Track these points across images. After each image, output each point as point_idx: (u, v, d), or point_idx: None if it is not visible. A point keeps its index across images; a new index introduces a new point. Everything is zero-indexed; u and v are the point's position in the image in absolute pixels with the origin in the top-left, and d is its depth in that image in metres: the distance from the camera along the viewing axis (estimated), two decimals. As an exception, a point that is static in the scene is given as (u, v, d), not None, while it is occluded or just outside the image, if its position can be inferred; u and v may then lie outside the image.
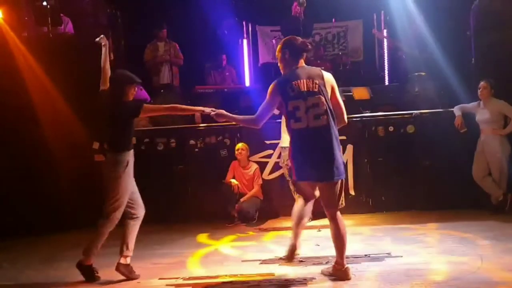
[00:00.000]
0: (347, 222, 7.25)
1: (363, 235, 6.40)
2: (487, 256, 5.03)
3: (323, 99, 4.36)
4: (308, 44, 4.58)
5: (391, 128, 7.80)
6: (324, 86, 4.41)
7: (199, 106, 8.72)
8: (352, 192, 7.85)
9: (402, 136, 7.79)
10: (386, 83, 10.15)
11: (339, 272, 4.54)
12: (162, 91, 9.03)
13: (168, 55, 9.41)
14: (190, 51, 9.78)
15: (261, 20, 11.14)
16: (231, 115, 4.75)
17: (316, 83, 4.38)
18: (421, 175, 7.73)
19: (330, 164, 4.34)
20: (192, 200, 8.02)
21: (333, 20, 11.01)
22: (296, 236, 4.55)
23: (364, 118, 7.96)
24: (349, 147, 7.79)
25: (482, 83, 7.16)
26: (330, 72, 10.59)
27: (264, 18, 11.06)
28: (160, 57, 9.37)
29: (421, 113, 7.85)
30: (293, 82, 4.39)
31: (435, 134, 7.60)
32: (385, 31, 10.34)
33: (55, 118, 7.82)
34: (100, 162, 8.03)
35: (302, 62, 4.53)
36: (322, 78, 4.44)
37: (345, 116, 4.56)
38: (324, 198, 4.57)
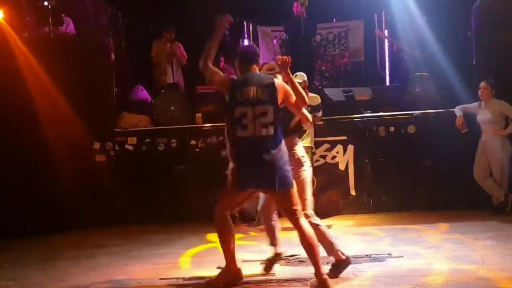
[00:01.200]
0: (348, 223, 7.29)
1: (364, 236, 6.40)
2: (488, 257, 5.02)
3: (272, 109, 4.22)
4: (253, 52, 4.46)
5: (392, 129, 7.80)
6: (275, 95, 4.26)
7: (200, 106, 8.92)
8: (353, 193, 7.84)
9: (403, 137, 7.79)
10: (387, 83, 10.14)
11: (316, 286, 4.26)
12: (163, 91, 9.01)
13: (174, 54, 9.39)
14: (191, 52, 9.76)
15: (262, 20, 11.14)
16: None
17: (266, 92, 4.24)
18: (422, 176, 7.72)
19: (273, 175, 4.21)
20: (193, 200, 8.02)
21: (334, 20, 11.01)
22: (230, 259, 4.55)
23: (365, 119, 7.95)
24: (350, 147, 7.79)
25: (482, 84, 7.15)
26: (330, 72, 10.55)
27: (265, 18, 11.07)
28: (168, 55, 9.33)
29: (422, 113, 7.85)
30: (244, 88, 4.25)
31: (436, 134, 7.59)
32: (386, 31, 10.34)
33: (56, 118, 7.82)
34: (100, 162, 8.07)
35: (254, 68, 4.40)
36: (274, 86, 4.28)
37: (306, 117, 4.51)
38: (279, 207, 4.63)
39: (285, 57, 4.41)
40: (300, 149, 4.82)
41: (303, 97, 4.35)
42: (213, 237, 6.71)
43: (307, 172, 4.77)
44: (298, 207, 4.35)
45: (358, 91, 8.68)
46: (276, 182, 4.23)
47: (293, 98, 4.35)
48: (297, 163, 4.73)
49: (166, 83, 9.31)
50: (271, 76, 4.41)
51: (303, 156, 4.79)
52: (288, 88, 4.36)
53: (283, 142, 4.31)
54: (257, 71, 4.44)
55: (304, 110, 4.53)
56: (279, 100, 4.29)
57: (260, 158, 4.22)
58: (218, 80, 4.43)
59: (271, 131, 4.22)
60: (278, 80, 4.39)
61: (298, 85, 4.35)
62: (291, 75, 4.36)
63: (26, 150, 7.72)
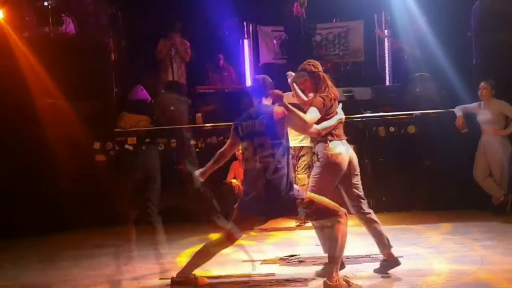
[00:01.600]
0: (348, 223, 7.23)
1: (364, 236, 6.35)
2: (488, 256, 5.02)
3: (269, 140, 4.23)
4: (254, 88, 4.55)
5: (392, 129, 7.80)
6: (274, 123, 4.24)
7: (200, 106, 8.91)
8: (353, 193, 7.83)
9: (403, 137, 7.79)
10: (387, 83, 10.13)
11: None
12: (163, 91, 9.01)
13: (177, 51, 9.38)
14: (192, 52, 9.77)
15: (262, 20, 11.14)
16: (206, 168, 4.75)
17: (263, 123, 4.27)
18: (422, 176, 7.72)
19: (279, 204, 4.24)
20: (193, 200, 8.01)
21: (334, 20, 11.00)
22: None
23: (365, 119, 7.95)
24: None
25: (482, 84, 7.15)
26: (331, 73, 10.58)
27: (265, 18, 11.07)
28: (170, 53, 9.33)
29: (422, 113, 7.85)
30: (244, 123, 4.37)
31: (436, 134, 7.59)
32: (386, 31, 10.34)
33: (56, 118, 7.82)
34: (100, 162, 8.07)
35: (260, 101, 4.44)
36: (272, 115, 4.27)
37: (314, 132, 4.52)
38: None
39: (277, 91, 4.41)
40: (327, 150, 4.62)
41: (303, 121, 4.34)
42: (215, 236, 6.72)
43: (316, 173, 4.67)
44: (330, 210, 4.27)
45: (358, 91, 8.68)
46: (284, 210, 4.30)
47: (293, 118, 4.30)
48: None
49: (167, 81, 9.30)
50: (272, 107, 4.35)
51: (321, 157, 4.64)
52: (291, 109, 4.29)
53: (285, 167, 4.23)
54: (264, 103, 4.43)
55: (316, 126, 4.48)
56: (281, 128, 4.26)
57: (262, 189, 4.23)
58: (230, 138, 4.58)
59: (270, 163, 4.20)
60: (278, 109, 4.31)
61: (296, 111, 4.31)
62: (288, 105, 4.28)
63: (26, 150, 7.72)
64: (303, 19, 9.02)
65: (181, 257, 5.83)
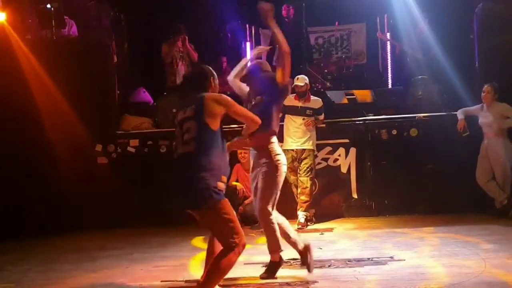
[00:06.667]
0: (350, 226, 7.29)
1: (366, 239, 6.39)
2: (491, 260, 5.00)
3: (195, 124, 3.97)
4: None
5: (394, 132, 7.79)
6: (202, 110, 3.99)
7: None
8: (355, 196, 7.83)
9: (405, 140, 7.78)
10: (390, 86, 10.14)
11: None
12: (165, 93, 9.01)
13: (187, 51, 9.36)
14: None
15: (265, 23, 11.13)
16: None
17: (192, 108, 4.03)
18: (424, 179, 7.71)
19: (191, 192, 4.03)
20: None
21: (337, 23, 11.02)
22: None
23: (367, 122, 7.94)
24: (352, 150, 7.78)
25: (486, 87, 7.12)
26: (332, 75, 10.55)
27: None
28: (177, 56, 9.31)
29: (424, 116, 7.84)
30: (178, 112, 4.18)
31: (439, 137, 7.58)
32: (388, 34, 10.34)
33: (58, 120, 7.83)
34: (102, 164, 8.07)
35: (196, 92, 4.20)
36: (201, 101, 4.03)
37: (254, 124, 4.29)
38: (208, 229, 4.39)
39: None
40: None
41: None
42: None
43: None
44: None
45: (360, 94, 8.68)
46: (195, 201, 4.08)
47: (234, 108, 4.15)
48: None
49: (175, 85, 9.21)
50: (204, 94, 4.15)
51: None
52: (223, 100, 4.14)
53: (208, 158, 3.97)
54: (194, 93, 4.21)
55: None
56: (211, 113, 4.02)
57: (179, 176, 4.13)
58: None
59: (191, 148, 3.98)
60: (211, 94, 4.20)
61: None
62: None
63: (28, 152, 7.73)
64: (291, 21, 9.03)
65: (193, 259, 5.81)
